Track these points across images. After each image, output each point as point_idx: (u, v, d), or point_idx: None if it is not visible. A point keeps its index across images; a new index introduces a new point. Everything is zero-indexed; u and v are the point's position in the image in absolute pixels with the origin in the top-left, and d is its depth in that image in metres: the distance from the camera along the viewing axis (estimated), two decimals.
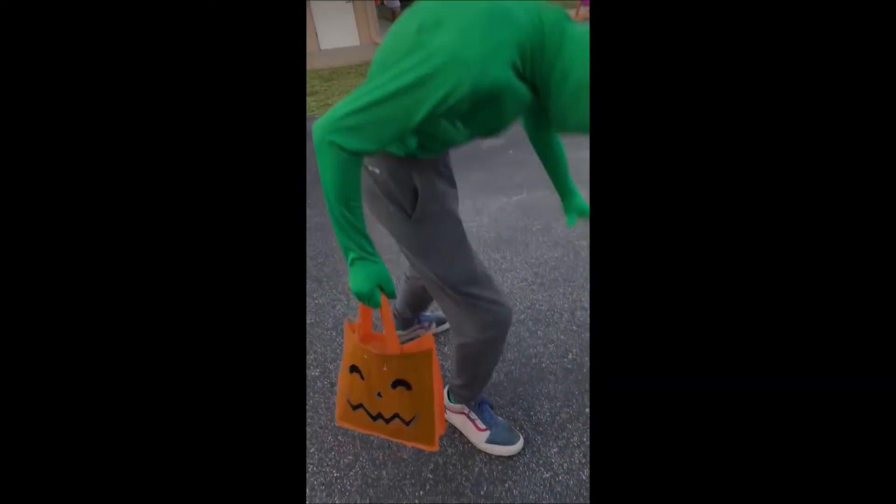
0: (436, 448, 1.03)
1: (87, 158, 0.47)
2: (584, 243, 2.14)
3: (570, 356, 1.53)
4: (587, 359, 1.51)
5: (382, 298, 0.88)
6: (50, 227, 0.46)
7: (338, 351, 1.64)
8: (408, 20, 0.76)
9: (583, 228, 2.25)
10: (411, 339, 1.59)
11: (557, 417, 1.32)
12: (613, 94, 0.48)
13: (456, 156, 1.08)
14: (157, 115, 0.48)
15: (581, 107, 0.75)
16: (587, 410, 1.34)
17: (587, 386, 1.41)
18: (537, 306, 1.77)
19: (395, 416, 1.00)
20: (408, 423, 1.00)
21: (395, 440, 1.05)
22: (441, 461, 1.24)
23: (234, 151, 0.51)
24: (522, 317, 1.72)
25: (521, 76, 0.75)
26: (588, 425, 1.30)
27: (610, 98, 0.48)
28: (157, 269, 0.48)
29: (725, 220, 0.47)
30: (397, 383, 0.96)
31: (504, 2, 0.72)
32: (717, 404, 0.47)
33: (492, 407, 1.30)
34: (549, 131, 1.10)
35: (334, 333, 1.73)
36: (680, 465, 0.47)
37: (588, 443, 1.25)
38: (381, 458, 1.26)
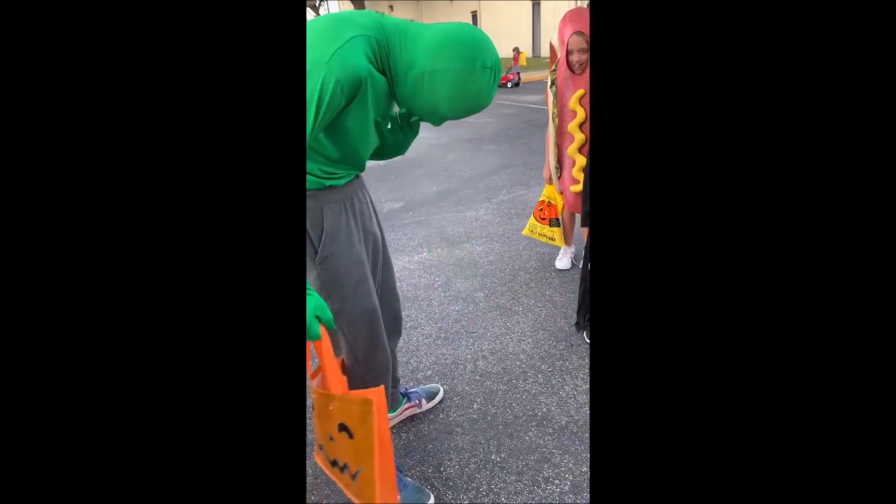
0: None
1: (89, 157, 0.45)
2: (482, 294, 2.27)
3: (475, 406, 1.58)
4: (491, 407, 1.57)
5: (322, 331, 0.84)
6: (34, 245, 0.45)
7: None
8: None
9: (479, 288, 2.38)
10: (402, 420, 1.55)
11: (466, 469, 1.35)
12: (612, 97, 0.49)
13: None
14: (152, 119, 0.47)
15: (423, 93, 0.87)
16: (493, 457, 1.38)
17: (493, 433, 1.46)
18: (442, 360, 1.81)
19: (345, 465, 0.92)
20: (353, 478, 0.91)
21: (347, 494, 0.95)
22: None
23: (231, 156, 0.49)
24: (429, 373, 1.75)
25: (377, 67, 0.87)
26: (494, 472, 1.33)
27: (609, 101, 0.49)
28: (149, 277, 0.47)
29: (725, 222, 0.46)
30: (342, 428, 0.89)
31: (344, 12, 0.88)
32: (716, 404, 0.46)
33: (400, 470, 1.29)
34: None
35: None
36: (679, 465, 0.46)
37: (496, 490, 1.28)
38: None
